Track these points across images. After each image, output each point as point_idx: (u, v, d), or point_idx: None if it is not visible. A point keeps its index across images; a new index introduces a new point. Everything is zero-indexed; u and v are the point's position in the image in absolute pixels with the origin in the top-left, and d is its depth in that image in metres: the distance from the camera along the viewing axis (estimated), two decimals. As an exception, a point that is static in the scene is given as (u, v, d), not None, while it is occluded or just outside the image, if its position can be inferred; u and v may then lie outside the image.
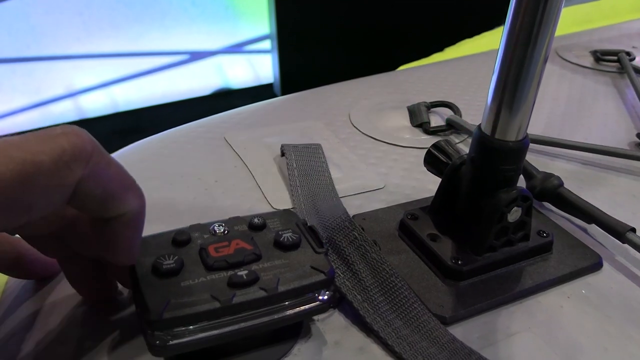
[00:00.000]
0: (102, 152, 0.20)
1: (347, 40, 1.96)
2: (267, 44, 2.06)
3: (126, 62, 1.90)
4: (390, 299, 0.28)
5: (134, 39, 1.87)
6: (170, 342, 0.23)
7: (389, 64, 0.80)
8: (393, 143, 0.45)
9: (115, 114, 1.92)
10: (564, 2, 0.26)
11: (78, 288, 0.27)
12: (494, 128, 0.29)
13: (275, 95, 2.04)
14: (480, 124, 0.30)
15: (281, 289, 0.24)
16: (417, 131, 0.47)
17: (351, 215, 0.34)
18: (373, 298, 0.28)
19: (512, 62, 0.27)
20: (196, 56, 2.03)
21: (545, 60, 0.27)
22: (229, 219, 0.27)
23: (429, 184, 0.39)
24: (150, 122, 1.90)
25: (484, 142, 0.29)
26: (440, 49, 0.73)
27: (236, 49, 2.09)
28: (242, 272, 0.24)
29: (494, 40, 0.74)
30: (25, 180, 0.18)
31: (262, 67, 2.11)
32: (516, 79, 0.28)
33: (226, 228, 0.26)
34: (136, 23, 1.85)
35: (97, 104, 1.90)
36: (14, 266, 0.28)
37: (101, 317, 0.27)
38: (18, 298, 0.29)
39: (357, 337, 0.27)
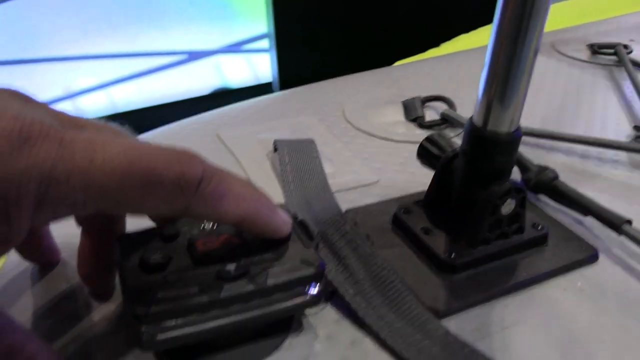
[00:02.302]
0: (212, 176, 0.22)
1: (346, 38, 1.95)
2: (265, 43, 2.05)
3: (124, 62, 1.90)
4: (382, 292, 0.28)
5: (132, 39, 1.87)
6: (159, 337, 0.22)
7: (388, 60, 0.79)
8: (387, 138, 0.45)
9: (114, 115, 1.92)
10: None
11: (84, 269, 0.27)
12: (486, 120, 0.29)
13: (274, 95, 2.03)
14: (472, 116, 0.30)
15: (270, 282, 0.23)
16: (412, 126, 0.47)
17: (344, 210, 0.34)
18: (365, 292, 0.28)
19: (502, 53, 0.27)
20: (194, 56, 2.03)
21: (537, 51, 0.27)
22: None
23: (423, 178, 0.39)
24: (150, 122, 1.88)
25: (475, 135, 0.29)
26: (436, 44, 0.73)
27: (234, 48, 2.09)
28: (231, 266, 0.23)
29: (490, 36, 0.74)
30: (146, 186, 0.20)
31: (261, 66, 2.11)
32: (507, 70, 0.27)
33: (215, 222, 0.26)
34: (134, 23, 1.84)
35: (96, 105, 1.90)
36: None
37: (96, 306, 0.27)
38: (10, 288, 0.28)
39: (349, 331, 0.27)
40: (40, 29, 1.73)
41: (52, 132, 0.18)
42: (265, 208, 0.24)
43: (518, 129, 0.29)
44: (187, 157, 0.21)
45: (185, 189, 0.21)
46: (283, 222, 0.25)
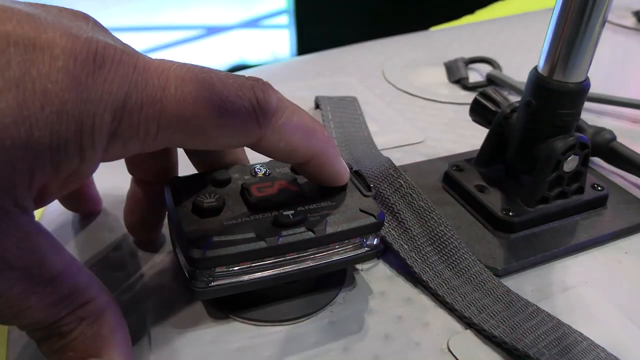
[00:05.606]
0: (286, 106, 0.20)
1: (369, 12, 1.91)
2: (284, 19, 2.03)
3: (142, 36, 1.89)
4: (439, 249, 0.27)
5: (151, 13, 1.85)
6: (212, 284, 0.21)
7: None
8: (431, 98, 0.43)
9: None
10: None
11: (132, 217, 0.26)
12: (553, 68, 0.27)
13: (292, 71, 2.01)
14: (536, 65, 0.28)
15: (329, 230, 0.22)
16: (455, 87, 0.45)
17: (392, 167, 0.32)
18: (421, 248, 0.27)
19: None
20: (212, 31, 2.00)
21: None
22: (270, 161, 0.25)
23: (471, 139, 0.37)
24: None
25: (541, 84, 0.27)
26: (470, 11, 0.70)
27: (252, 24, 2.06)
28: (289, 212, 0.22)
29: (526, 3, 0.71)
30: (220, 115, 0.18)
31: (279, 43, 2.08)
32: (581, 12, 0.25)
33: (268, 169, 0.25)
34: (152, -4, 1.83)
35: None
36: None
37: (143, 256, 0.26)
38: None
39: (403, 287, 0.26)
40: (58, 1, 1.71)
41: (125, 57, 0.17)
42: (333, 149, 0.22)
43: (586, 79, 0.27)
44: (260, 84, 0.20)
45: (260, 118, 0.19)
46: (344, 168, 0.23)
